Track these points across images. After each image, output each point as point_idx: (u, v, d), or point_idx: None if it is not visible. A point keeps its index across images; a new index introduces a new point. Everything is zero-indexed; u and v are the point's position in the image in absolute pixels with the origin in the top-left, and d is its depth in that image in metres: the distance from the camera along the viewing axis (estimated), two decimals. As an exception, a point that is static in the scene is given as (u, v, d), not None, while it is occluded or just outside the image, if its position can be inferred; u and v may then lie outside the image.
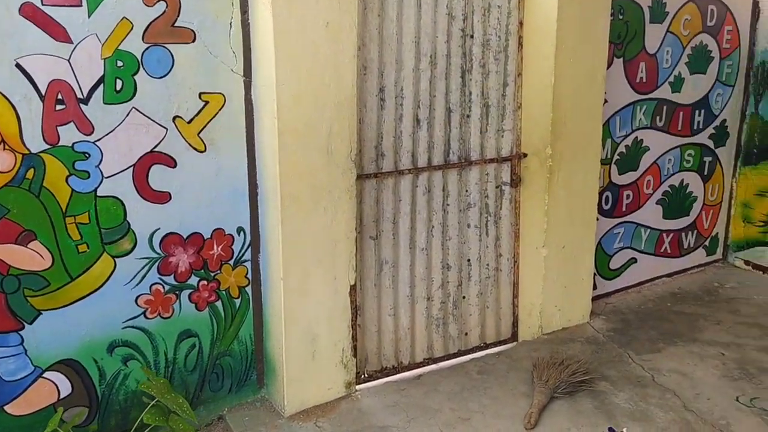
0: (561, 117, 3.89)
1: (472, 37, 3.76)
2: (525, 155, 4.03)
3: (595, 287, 4.64)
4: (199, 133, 3.03)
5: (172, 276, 3.08)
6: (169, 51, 2.87)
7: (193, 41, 2.92)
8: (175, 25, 2.88)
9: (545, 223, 4.04)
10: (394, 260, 3.78)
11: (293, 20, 2.94)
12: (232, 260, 3.26)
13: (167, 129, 2.93)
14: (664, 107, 4.58)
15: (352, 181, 3.31)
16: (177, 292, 3.12)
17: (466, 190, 3.97)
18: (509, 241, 4.17)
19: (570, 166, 4.01)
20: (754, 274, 5.09)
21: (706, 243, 5.20)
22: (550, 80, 3.82)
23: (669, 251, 5.00)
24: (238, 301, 3.32)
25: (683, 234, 5.03)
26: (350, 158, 3.26)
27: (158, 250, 3.01)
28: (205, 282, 3.20)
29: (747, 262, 5.18)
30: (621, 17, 4.19)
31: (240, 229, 3.26)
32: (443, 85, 3.72)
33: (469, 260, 4.07)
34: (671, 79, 4.55)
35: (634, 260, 4.82)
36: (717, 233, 5.24)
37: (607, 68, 4.20)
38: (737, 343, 4.05)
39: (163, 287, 3.06)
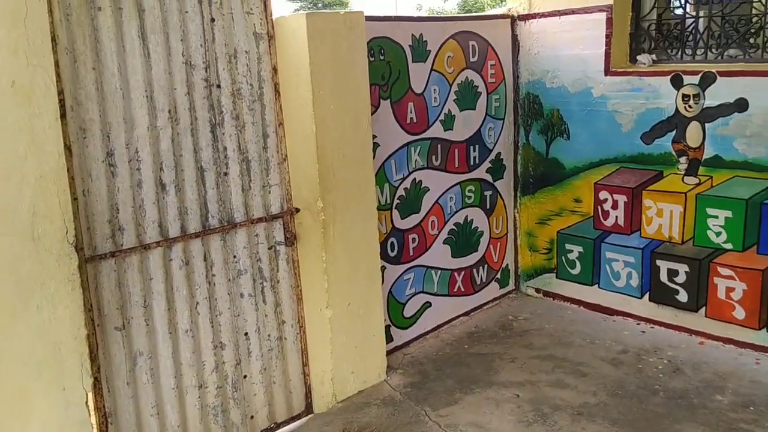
0: (328, 167, 3.59)
1: (219, 86, 3.34)
2: (298, 210, 3.68)
3: (391, 339, 4.39)
4: None
5: None
6: None
7: None
8: None
9: (326, 282, 3.70)
10: (150, 350, 3.22)
11: (-41, 82, 2.33)
12: None
13: None
14: (439, 146, 4.48)
15: (74, 267, 2.72)
16: None
17: (234, 256, 3.52)
18: (291, 305, 3.79)
19: (345, 217, 3.71)
20: (545, 302, 5.15)
21: (498, 276, 5.18)
22: (312, 129, 3.50)
23: (462, 289, 4.90)
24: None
25: (474, 270, 4.96)
26: (67, 241, 2.67)
27: None
28: None
29: (537, 290, 5.23)
30: (382, 57, 4.01)
31: None
32: (190, 142, 3.26)
33: (246, 334, 3.62)
34: (442, 117, 4.46)
35: (428, 304, 4.64)
36: (507, 264, 5.25)
37: (374, 111, 4.01)
38: (531, 381, 3.96)
39: None
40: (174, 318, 3.30)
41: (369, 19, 4.02)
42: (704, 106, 4.05)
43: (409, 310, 4.51)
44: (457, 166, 4.65)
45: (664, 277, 4.45)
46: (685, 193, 4.24)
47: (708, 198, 4.14)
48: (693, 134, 4.13)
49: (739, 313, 4.14)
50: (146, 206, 3.13)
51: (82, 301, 2.80)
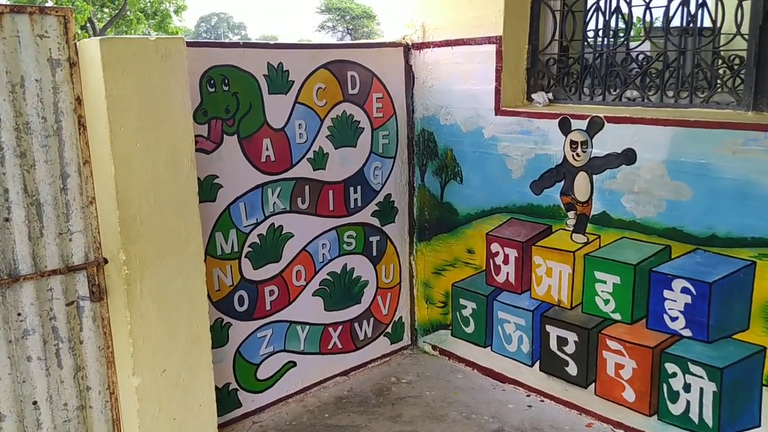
0: (133, 214, 3.10)
1: (-3, 120, 2.87)
2: (106, 261, 3.19)
3: (238, 405, 3.90)
4: None
5: None
6: None
7: None
8: None
9: (131, 346, 3.19)
10: None
11: None
12: None
13: None
14: (307, 187, 3.99)
15: None
16: None
17: (19, 314, 3.03)
18: (99, 369, 3.31)
19: (158, 272, 3.21)
20: (439, 361, 4.62)
21: (388, 330, 4.66)
22: (111, 170, 3.02)
23: (340, 346, 4.38)
24: None
25: (356, 324, 4.45)
26: None
27: None
28: None
29: (434, 347, 4.71)
30: (226, 88, 3.53)
31: None
32: (-48, 184, 2.79)
33: (35, 402, 3.12)
34: (310, 155, 3.96)
35: (292, 364, 4.13)
36: (401, 317, 4.73)
37: (215, 149, 3.53)
38: (380, 466, 3.43)
39: None
40: (-71, 389, 2.81)
41: (208, 45, 3.57)
42: (591, 155, 3.53)
43: (264, 372, 4.00)
44: (332, 209, 4.15)
45: (554, 345, 3.92)
46: (574, 253, 3.71)
47: (595, 260, 3.61)
48: (581, 186, 3.61)
49: (629, 395, 3.58)
50: None
51: None
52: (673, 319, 3.31)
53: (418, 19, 4.33)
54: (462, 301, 4.42)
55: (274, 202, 3.87)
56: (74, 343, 3.22)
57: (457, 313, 4.47)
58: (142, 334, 3.22)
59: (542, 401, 4.02)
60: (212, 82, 3.50)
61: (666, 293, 3.32)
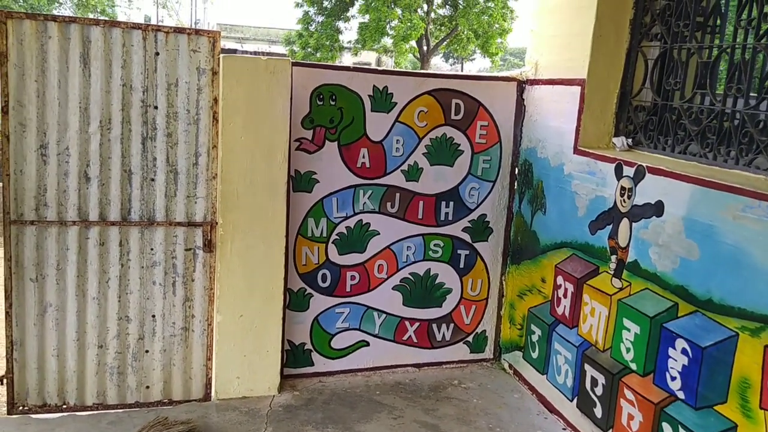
0: (232, 190, 4.08)
1: (156, 107, 4.07)
2: (218, 223, 4.24)
3: (311, 364, 4.67)
4: None
5: None
6: None
7: None
8: None
9: (218, 290, 4.19)
10: (59, 305, 4.08)
11: None
12: None
13: None
14: (397, 194, 4.61)
15: (-2, 226, 3.69)
16: None
17: (152, 249, 4.21)
18: (203, 303, 4.34)
19: (245, 238, 4.16)
20: (510, 379, 4.87)
21: (469, 339, 5.04)
22: (221, 154, 4.04)
23: (415, 340, 4.91)
24: None
25: (434, 325, 4.93)
26: (-10, 205, 3.64)
27: None
28: None
29: (510, 366, 4.97)
30: (333, 103, 4.34)
31: None
32: (119, 149, 4.04)
33: (154, 316, 4.28)
34: (404, 167, 4.58)
35: (365, 343, 4.79)
36: (484, 331, 5.07)
37: (317, 150, 4.36)
38: (386, 441, 3.95)
39: None
40: (84, 285, 4.11)
41: (321, 66, 4.40)
42: (633, 203, 3.58)
43: (338, 343, 4.73)
44: (420, 217, 4.71)
45: (588, 384, 3.98)
46: (611, 296, 3.76)
47: (625, 306, 3.64)
48: (623, 232, 3.67)
49: (635, 448, 3.56)
50: (69, 192, 3.99)
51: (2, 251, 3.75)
52: (673, 378, 3.25)
53: (534, 57, 4.64)
54: (533, 327, 4.63)
55: (365, 203, 4.57)
56: (187, 279, 4.30)
57: (529, 337, 4.69)
58: (227, 282, 4.19)
59: (572, 437, 4.09)
60: (321, 96, 4.32)
61: (671, 351, 3.27)
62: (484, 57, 25.85)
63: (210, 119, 4.15)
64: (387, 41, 24.29)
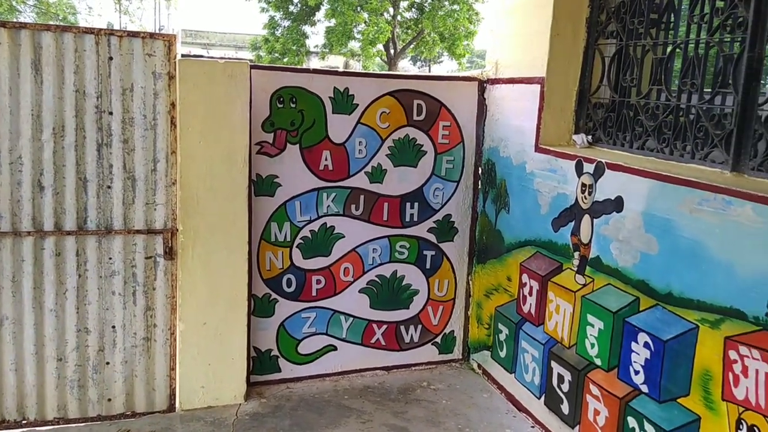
0: (192, 195, 4.01)
1: (110, 113, 3.98)
2: (178, 230, 4.16)
3: (278, 370, 4.61)
4: None
5: None
6: None
7: None
8: None
9: (180, 298, 4.11)
10: (15, 318, 3.96)
11: None
12: None
13: None
14: (362, 196, 4.58)
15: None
16: None
17: (110, 258, 4.11)
18: (164, 312, 4.25)
19: (207, 244, 4.09)
20: (479, 379, 4.87)
21: (437, 340, 5.03)
22: (179, 159, 3.97)
23: (383, 343, 4.88)
24: None
25: (402, 327, 4.91)
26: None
27: None
28: None
29: (479, 366, 4.96)
30: (293, 105, 4.29)
31: None
32: (73, 156, 3.93)
33: (114, 327, 4.18)
34: (368, 169, 4.55)
35: (332, 347, 4.75)
36: (452, 331, 5.06)
37: (278, 154, 4.31)
38: (354, 445, 3.91)
39: None
40: (40, 296, 3.99)
41: (280, 69, 4.35)
42: (594, 200, 3.60)
43: (305, 348, 4.67)
44: (385, 219, 4.68)
45: (555, 381, 3.99)
46: (575, 293, 3.78)
47: (589, 303, 3.65)
48: (585, 229, 3.68)
49: (602, 443, 3.57)
50: (23, 202, 3.88)
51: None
52: (636, 372, 3.27)
53: (494, 57, 4.66)
54: (500, 326, 4.63)
55: (328, 206, 4.53)
56: (148, 288, 4.21)
57: (497, 337, 4.69)
58: (190, 290, 4.12)
59: (539, 435, 4.10)
60: (281, 99, 4.27)
61: (633, 345, 3.29)
62: (451, 59, 26.01)
63: (168, 124, 4.07)
64: (354, 45, 24.30)
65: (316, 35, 29.35)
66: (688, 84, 3.28)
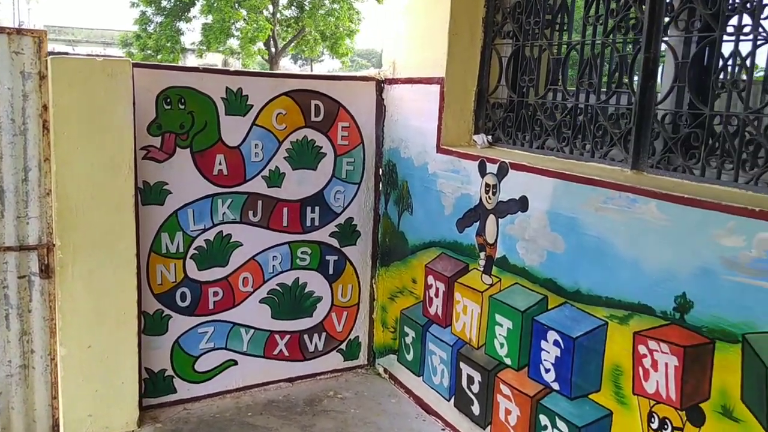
0: (70, 207, 3.63)
1: (-28, 119, 3.51)
2: (55, 245, 3.74)
3: (173, 391, 4.30)
4: None
5: None
6: None
7: None
8: None
9: (60, 320, 3.72)
10: None
11: None
12: None
13: None
14: (260, 202, 4.35)
15: None
16: None
17: (-25, 280, 3.64)
18: (43, 337, 3.84)
19: (90, 260, 3.72)
20: (386, 384, 4.78)
21: (342, 347, 4.89)
22: (54, 167, 3.57)
23: (287, 354, 4.68)
24: None
25: (306, 336, 4.72)
26: None
27: None
28: None
29: (386, 370, 4.87)
30: (182, 107, 4.00)
31: None
32: (-74, 167, 3.44)
33: (-17, 356, 3.71)
34: (265, 173, 4.33)
35: (232, 362, 4.49)
36: (357, 337, 4.94)
37: (167, 159, 4.00)
38: (263, 466, 3.69)
39: None
40: None
41: (166, 68, 4.05)
42: (498, 200, 3.60)
43: (202, 365, 4.39)
44: (285, 225, 4.48)
45: (465, 382, 3.97)
46: (482, 293, 3.77)
47: (496, 302, 3.66)
48: (490, 229, 3.68)
49: (514, 442, 3.58)
50: None
51: None
52: (547, 370, 3.30)
53: (391, 57, 4.58)
54: (406, 329, 4.57)
55: (224, 213, 4.27)
56: (23, 311, 3.78)
57: (403, 340, 4.62)
58: (71, 311, 3.74)
59: (451, 437, 4.07)
60: (168, 100, 3.97)
61: (543, 344, 3.31)
62: (333, 58, 25.95)
63: (39, 129, 3.68)
64: (233, 43, 23.62)
65: (192, 32, 28.20)
66: (585, 84, 3.35)
